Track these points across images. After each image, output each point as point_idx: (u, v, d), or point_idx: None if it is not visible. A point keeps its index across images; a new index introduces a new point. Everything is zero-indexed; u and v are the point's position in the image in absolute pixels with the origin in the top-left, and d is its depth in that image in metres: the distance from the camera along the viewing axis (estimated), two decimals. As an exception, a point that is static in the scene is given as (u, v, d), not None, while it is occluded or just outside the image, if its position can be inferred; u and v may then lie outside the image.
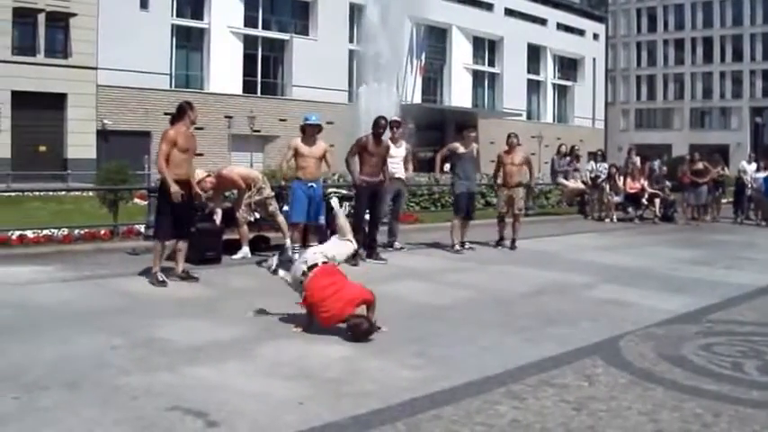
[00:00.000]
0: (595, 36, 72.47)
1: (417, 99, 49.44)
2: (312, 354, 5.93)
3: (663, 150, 55.50)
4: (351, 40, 49.66)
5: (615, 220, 19.27)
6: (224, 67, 44.90)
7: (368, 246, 11.25)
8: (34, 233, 11.65)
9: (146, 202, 13.04)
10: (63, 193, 22.50)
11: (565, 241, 14.70)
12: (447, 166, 12.90)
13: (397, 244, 12.62)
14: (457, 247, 12.38)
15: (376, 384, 5.16)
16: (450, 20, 56.29)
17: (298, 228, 10.72)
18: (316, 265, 6.70)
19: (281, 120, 43.74)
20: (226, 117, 43.45)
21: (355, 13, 48.32)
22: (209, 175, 10.96)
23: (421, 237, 13.95)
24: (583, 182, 20.44)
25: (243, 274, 9.90)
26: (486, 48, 62.38)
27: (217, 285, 8.99)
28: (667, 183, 20.42)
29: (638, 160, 21.23)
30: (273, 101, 46.86)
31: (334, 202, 9.04)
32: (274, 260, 7.54)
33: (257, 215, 11.32)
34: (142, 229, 12.25)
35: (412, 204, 17.50)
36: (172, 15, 43.60)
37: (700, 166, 20.00)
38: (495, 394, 4.98)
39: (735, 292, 9.10)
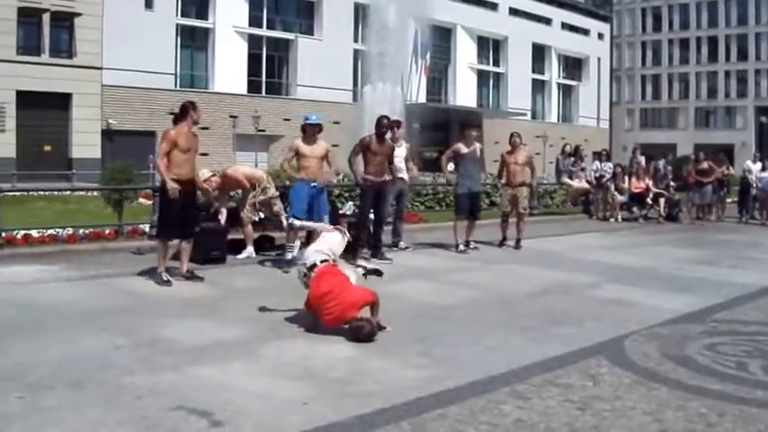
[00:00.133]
0: (600, 36, 72.30)
1: (422, 99, 49.37)
2: (317, 354, 5.93)
3: (668, 150, 55.25)
4: (356, 40, 49.65)
5: (620, 219, 19.24)
6: (229, 67, 44.90)
7: (373, 245, 11.24)
8: (39, 233, 11.65)
9: (150, 202, 13.05)
10: (68, 192, 22.58)
11: (569, 241, 14.69)
12: (451, 166, 12.88)
13: (402, 244, 12.61)
14: (461, 247, 12.38)
15: (380, 384, 5.16)
16: (455, 19, 56.21)
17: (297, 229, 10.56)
18: (315, 264, 6.70)
19: (286, 119, 43.71)
20: (230, 117, 43.44)
21: (360, 12, 48.25)
22: (214, 175, 10.99)
23: (425, 236, 13.95)
24: (587, 181, 20.41)
25: (247, 273, 9.91)
26: (490, 47, 62.30)
27: (221, 285, 8.99)
28: (672, 182, 20.40)
29: (642, 160, 21.20)
30: (278, 100, 46.86)
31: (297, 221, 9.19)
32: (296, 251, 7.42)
33: (262, 215, 11.35)
34: (147, 228, 12.24)
35: (416, 204, 17.50)
36: (177, 15, 43.62)
37: (704, 165, 19.96)
38: (500, 394, 4.98)
39: (739, 292, 9.09)
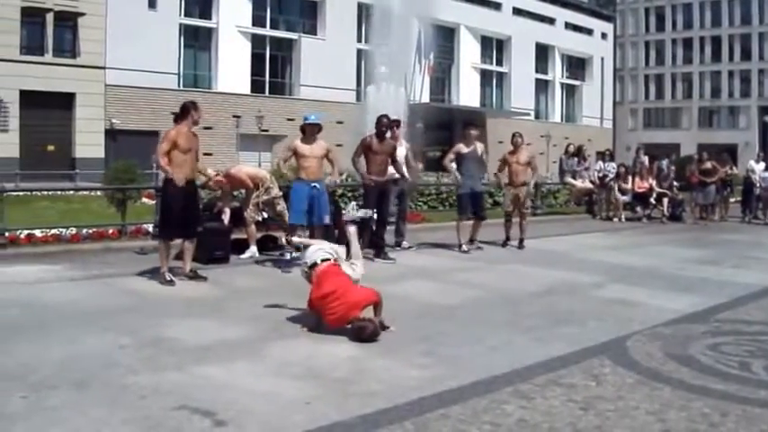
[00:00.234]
0: (604, 35, 72.31)
1: (425, 98, 49.39)
2: (320, 353, 5.93)
3: (671, 150, 55.12)
4: (359, 40, 49.71)
5: (623, 219, 19.22)
6: (232, 67, 44.97)
7: (376, 245, 11.24)
8: (42, 232, 11.68)
9: (154, 202, 13.07)
10: (71, 192, 22.61)
11: (573, 241, 14.67)
12: (454, 165, 12.86)
13: (405, 243, 12.61)
14: (464, 247, 12.38)
15: (383, 384, 5.16)
16: (459, 19, 56.25)
17: (298, 229, 10.21)
18: (316, 263, 6.70)
19: (289, 119, 43.71)
20: (234, 117, 43.52)
21: (363, 12, 48.32)
22: (217, 174, 11.00)
23: (428, 236, 13.94)
24: (591, 181, 20.40)
25: (251, 273, 9.92)
26: (494, 47, 62.33)
27: (224, 285, 9.00)
28: (675, 182, 20.37)
29: (646, 160, 21.19)
30: (281, 100, 46.91)
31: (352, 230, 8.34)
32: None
33: (265, 215, 11.34)
34: (150, 228, 12.26)
35: (420, 204, 17.50)
36: (180, 15, 43.71)
37: (708, 165, 19.93)
38: (503, 393, 4.97)
39: (742, 292, 9.07)
